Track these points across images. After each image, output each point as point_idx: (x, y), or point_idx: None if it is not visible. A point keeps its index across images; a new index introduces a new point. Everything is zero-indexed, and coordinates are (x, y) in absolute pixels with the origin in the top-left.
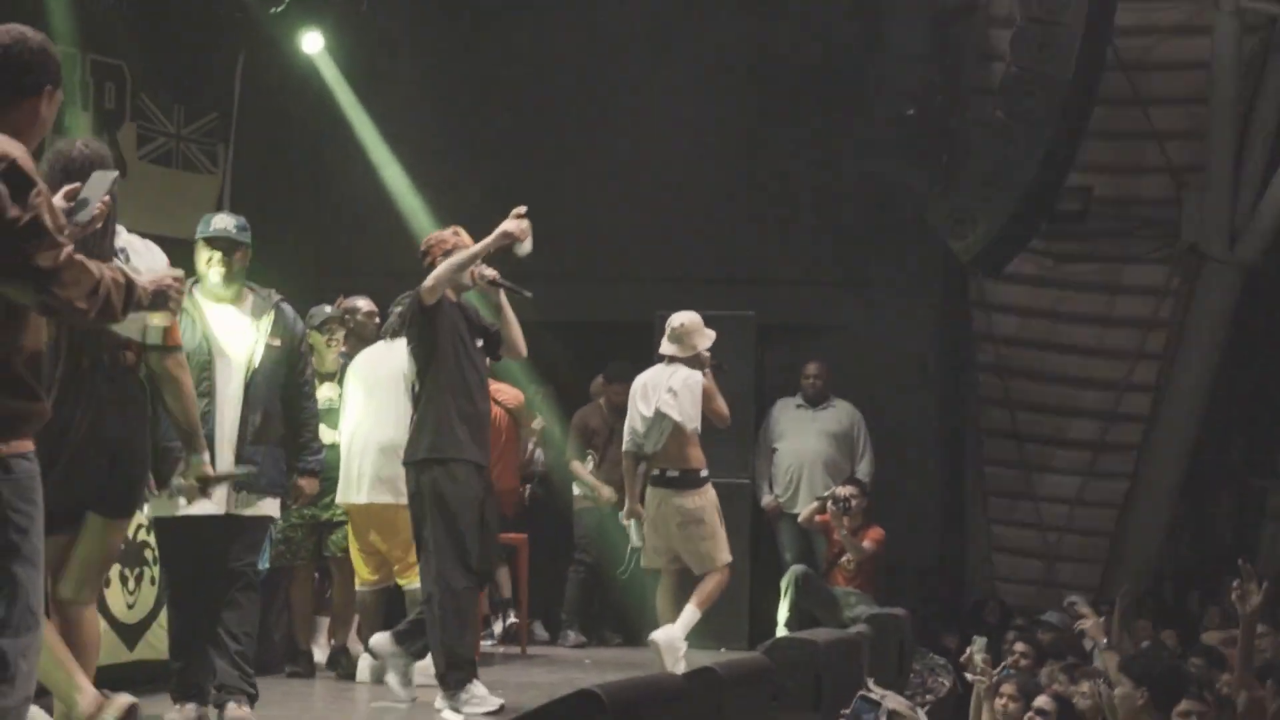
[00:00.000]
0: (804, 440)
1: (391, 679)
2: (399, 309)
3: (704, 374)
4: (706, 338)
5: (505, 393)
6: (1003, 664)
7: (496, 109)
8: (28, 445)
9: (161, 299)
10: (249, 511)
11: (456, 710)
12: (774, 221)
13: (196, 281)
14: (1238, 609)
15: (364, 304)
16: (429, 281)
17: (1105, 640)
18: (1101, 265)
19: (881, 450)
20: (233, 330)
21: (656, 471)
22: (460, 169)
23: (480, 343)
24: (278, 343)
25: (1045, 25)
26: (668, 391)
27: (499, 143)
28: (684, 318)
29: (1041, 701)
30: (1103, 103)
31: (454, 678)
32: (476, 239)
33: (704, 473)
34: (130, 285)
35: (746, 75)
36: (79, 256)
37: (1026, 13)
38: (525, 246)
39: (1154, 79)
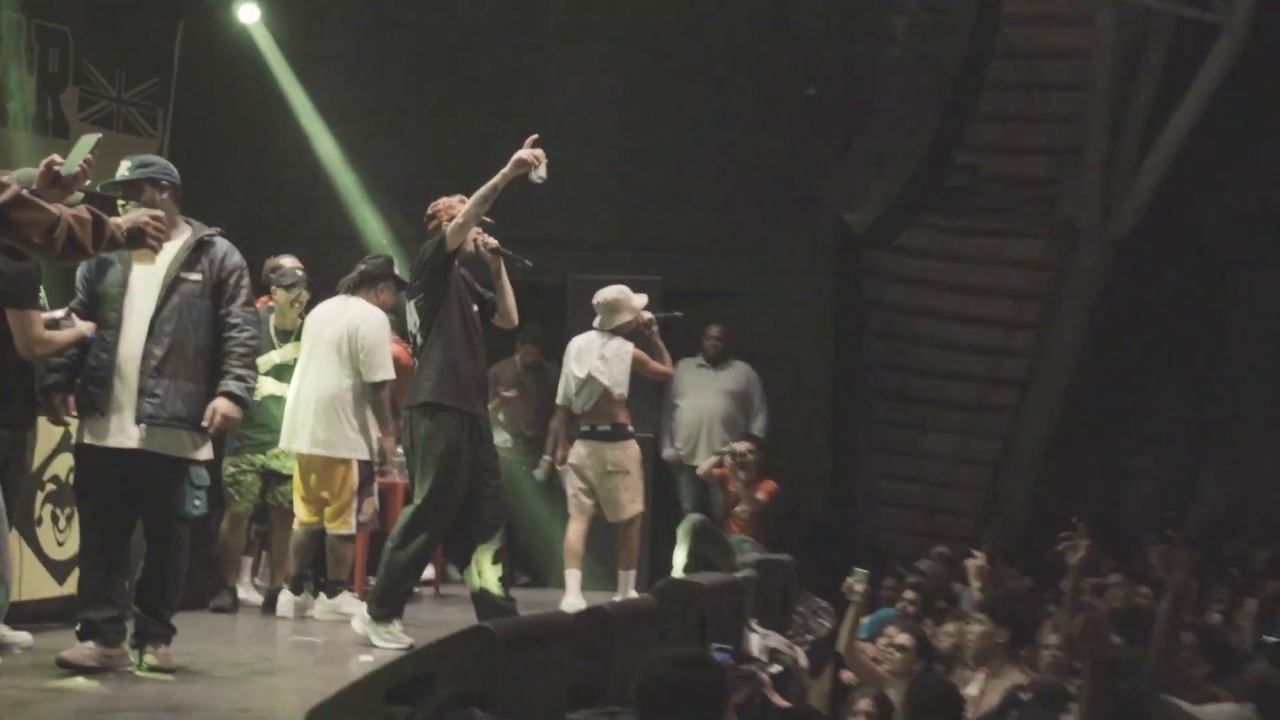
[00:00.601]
0: (704, 398)
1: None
2: (417, 263)
3: (656, 332)
4: (631, 310)
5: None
6: (890, 607)
7: (423, 81)
8: None
9: (138, 236)
10: (159, 448)
11: (372, 639)
12: (680, 192)
13: None
14: (1066, 559)
15: (288, 262)
16: (459, 219)
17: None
18: (985, 239)
19: (776, 409)
20: (147, 268)
21: (587, 427)
22: (389, 137)
23: (476, 308)
24: (197, 277)
25: (937, 13)
26: (599, 359)
27: (425, 113)
28: (606, 293)
29: (903, 639)
30: (990, 87)
31: (382, 612)
32: (405, 203)
33: (630, 429)
34: (100, 222)
35: (658, 53)
36: (29, 196)
37: (919, 3)
38: (540, 172)
39: (1038, 66)
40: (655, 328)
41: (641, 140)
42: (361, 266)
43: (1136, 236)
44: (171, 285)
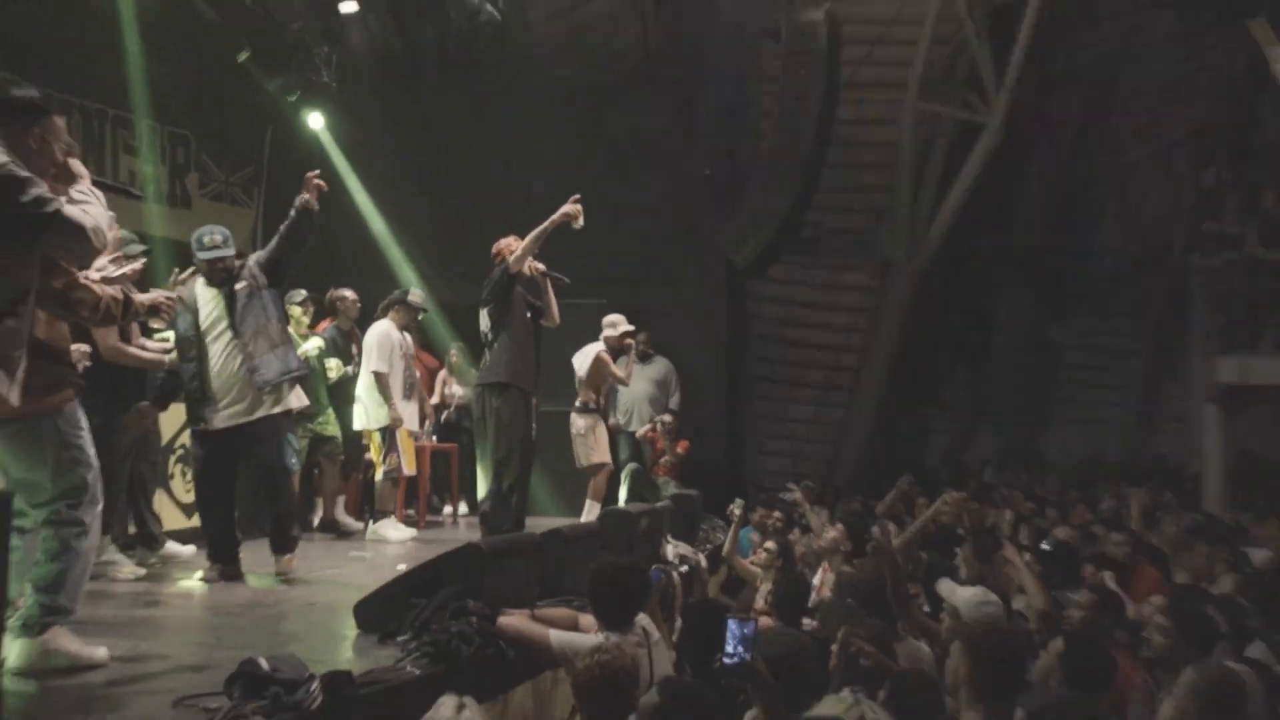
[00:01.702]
0: (637, 384)
1: None
2: (487, 283)
3: (627, 350)
4: (614, 327)
5: (427, 359)
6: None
7: (438, 166)
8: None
9: (154, 310)
10: (266, 412)
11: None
12: (619, 242)
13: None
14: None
15: (349, 293)
16: (519, 253)
17: (809, 507)
18: (828, 272)
19: (687, 390)
20: (211, 309)
21: (577, 402)
22: (414, 206)
23: (529, 314)
24: (243, 284)
25: (792, 118)
26: (581, 355)
27: (440, 188)
28: (609, 316)
29: (770, 545)
30: (829, 167)
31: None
32: (427, 252)
33: (591, 406)
34: (129, 301)
35: (601, 147)
36: (83, 281)
37: (781, 108)
38: (579, 223)
39: (861, 152)
40: (634, 348)
41: (590, 206)
42: (386, 300)
43: (932, 269)
44: (230, 301)
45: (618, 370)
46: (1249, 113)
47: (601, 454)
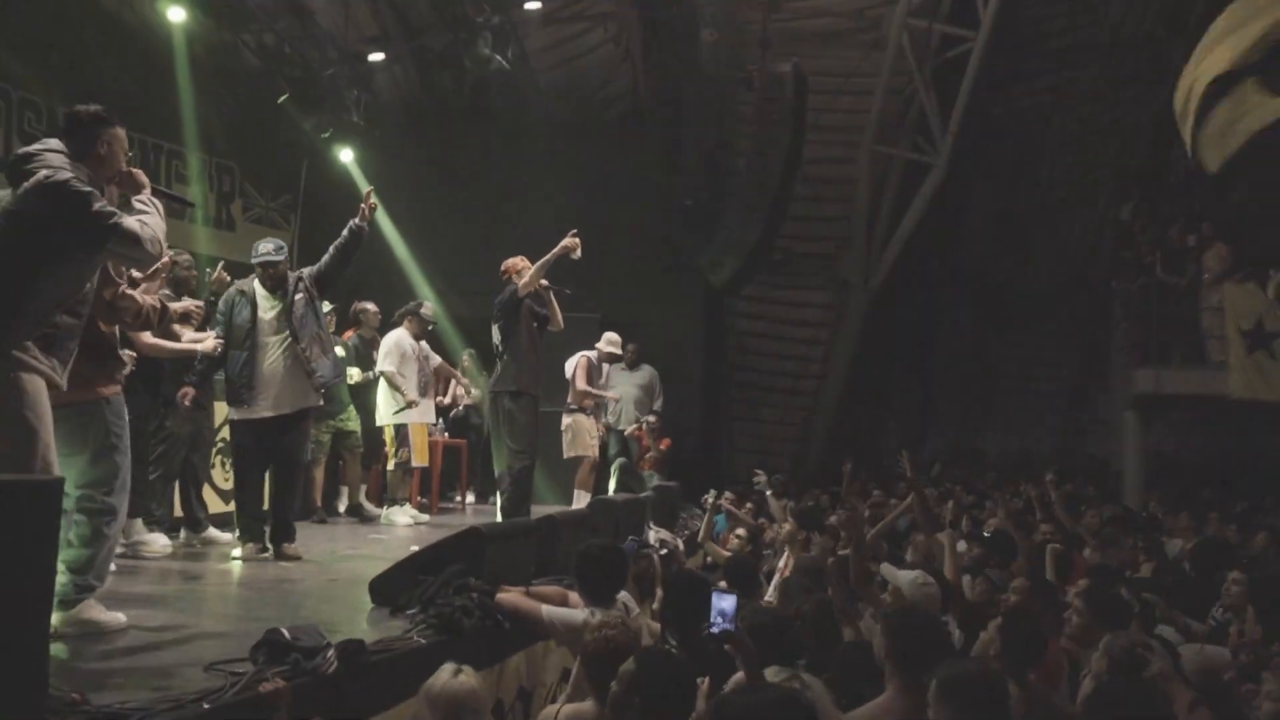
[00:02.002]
0: (625, 388)
1: None
2: (497, 300)
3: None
4: (608, 342)
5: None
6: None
7: (455, 199)
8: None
9: (186, 318)
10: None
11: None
12: (612, 265)
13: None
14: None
15: (371, 305)
16: (527, 280)
17: (771, 498)
18: (794, 291)
19: (670, 394)
20: (270, 307)
21: (569, 403)
22: (432, 233)
23: (535, 324)
24: (300, 296)
25: (763, 156)
26: (570, 362)
27: (455, 218)
28: (609, 334)
29: (741, 531)
30: (795, 200)
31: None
32: (443, 270)
33: (574, 406)
34: (165, 309)
35: (596, 184)
36: (127, 292)
37: (754, 148)
38: (577, 254)
39: (823, 188)
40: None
41: (585, 232)
42: (401, 310)
43: (885, 289)
44: (289, 308)
45: (580, 382)
46: (1161, 157)
47: (581, 448)
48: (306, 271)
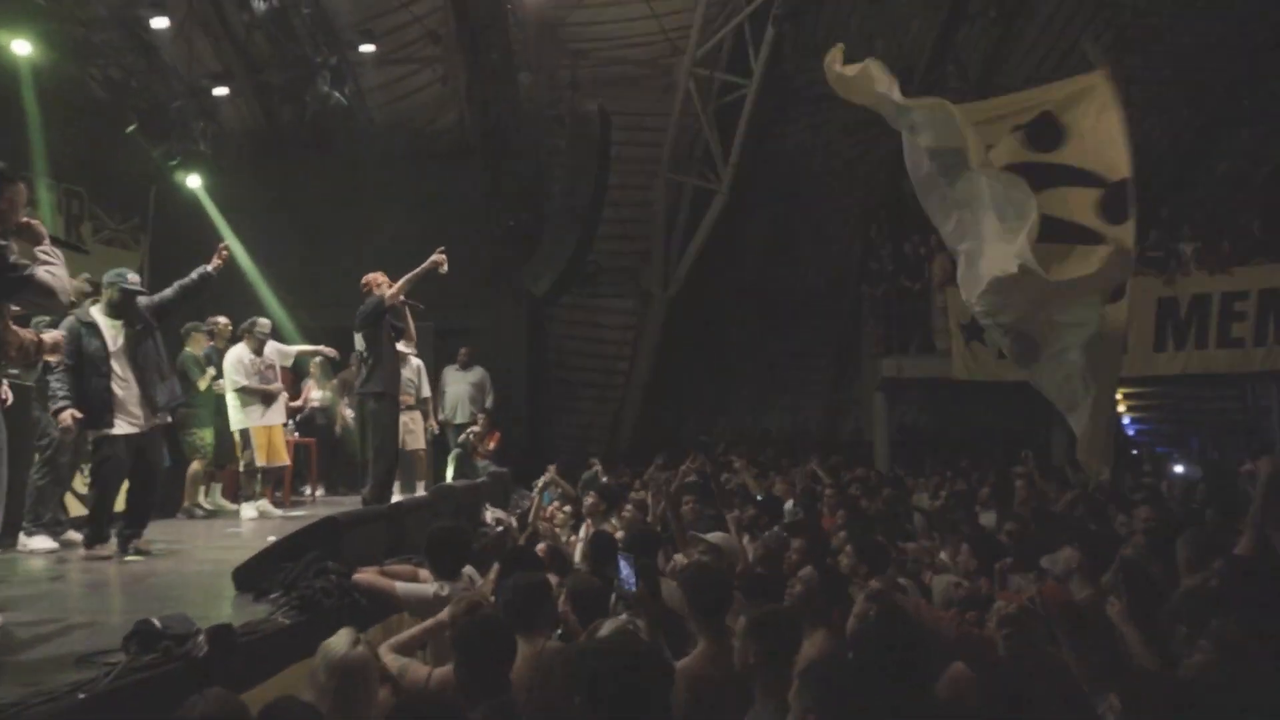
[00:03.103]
0: (459, 387)
1: None
2: (362, 311)
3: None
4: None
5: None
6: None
7: (297, 218)
8: None
9: (55, 349)
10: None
11: None
12: (447, 280)
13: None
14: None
15: (222, 318)
16: (393, 290)
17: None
18: (604, 299)
19: (499, 392)
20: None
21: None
22: (277, 247)
23: (393, 334)
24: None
25: (576, 181)
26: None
27: (297, 237)
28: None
29: (567, 509)
30: (603, 220)
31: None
32: (286, 286)
33: (412, 404)
34: (40, 342)
35: (431, 206)
36: (12, 326)
37: (567, 176)
38: (444, 269)
39: (626, 210)
40: None
41: (420, 254)
42: (240, 328)
43: (680, 297)
44: (132, 336)
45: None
46: (899, 187)
47: (416, 441)
48: (144, 301)
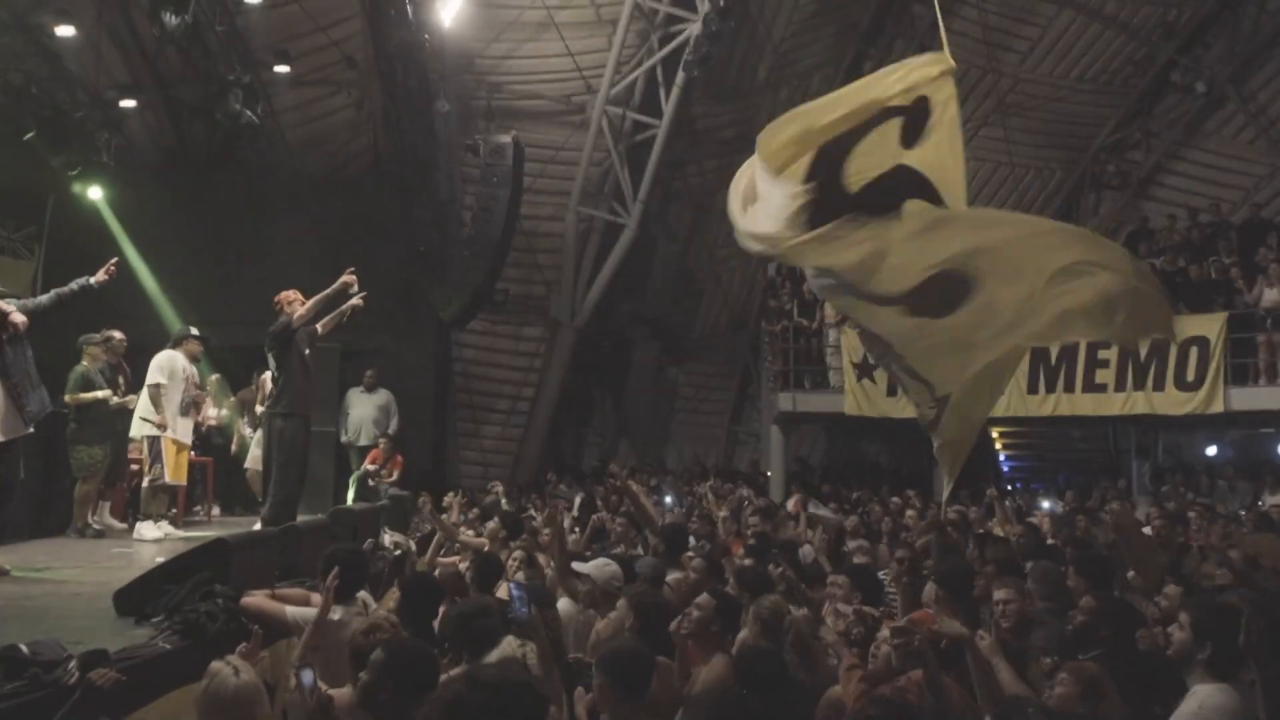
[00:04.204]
0: (363, 409)
1: None
2: (271, 331)
3: None
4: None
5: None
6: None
7: (198, 230)
8: None
9: None
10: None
11: None
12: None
13: None
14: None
15: (118, 334)
16: (303, 311)
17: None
18: (512, 327)
19: (404, 415)
20: None
21: None
22: (180, 262)
23: (307, 351)
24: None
25: (488, 210)
26: None
27: (199, 249)
28: None
29: (491, 524)
30: (514, 249)
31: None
32: (186, 298)
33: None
34: None
35: (343, 225)
36: None
37: (479, 204)
38: (354, 290)
39: (538, 239)
40: None
41: (329, 275)
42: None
43: (587, 327)
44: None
45: None
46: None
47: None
48: (15, 305)
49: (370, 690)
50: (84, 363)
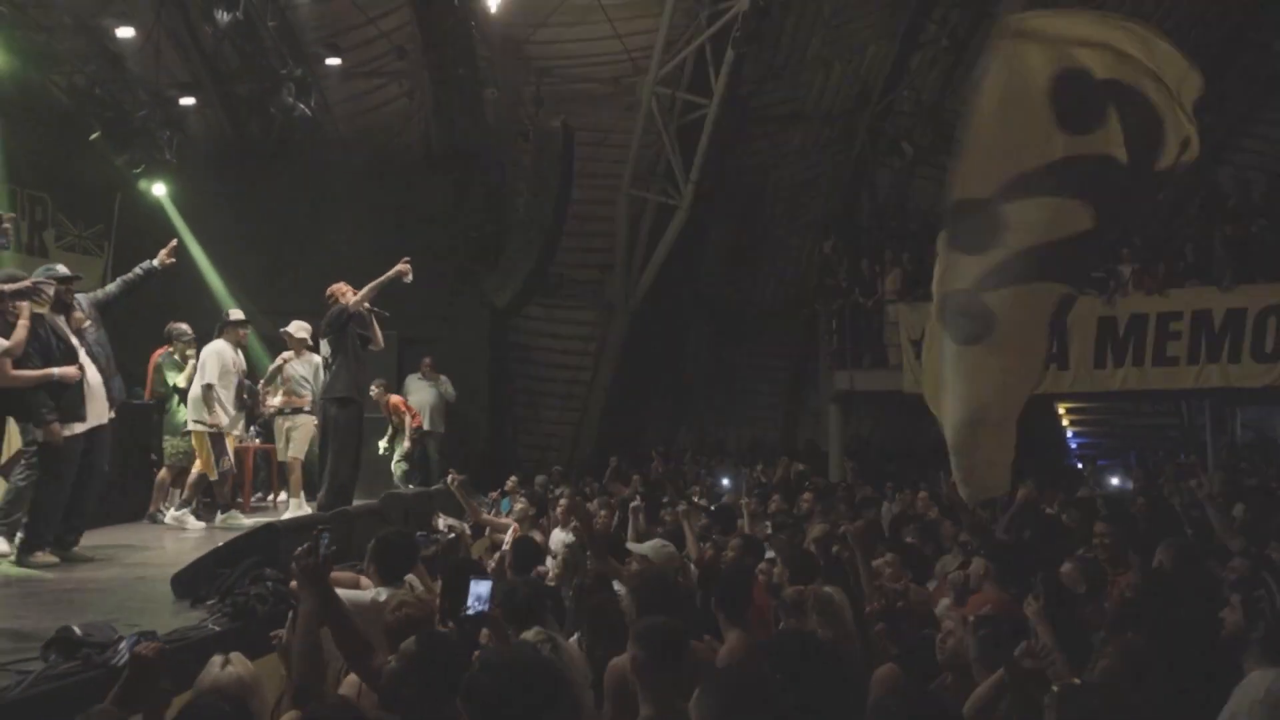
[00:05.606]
0: (423, 395)
1: None
2: (327, 319)
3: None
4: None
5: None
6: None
7: (257, 226)
8: None
9: None
10: None
11: None
12: (412, 290)
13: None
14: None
15: (184, 325)
16: (358, 297)
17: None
18: (567, 311)
19: (461, 399)
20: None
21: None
22: (240, 255)
23: (359, 341)
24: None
25: (540, 196)
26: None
27: (257, 243)
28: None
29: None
30: (566, 234)
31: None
32: (247, 291)
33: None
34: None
35: (393, 215)
36: None
37: (531, 190)
38: (408, 279)
39: (590, 225)
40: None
41: (383, 264)
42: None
43: (642, 309)
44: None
45: None
46: (852, 204)
47: (297, 449)
48: (85, 299)
49: (394, 683)
50: (168, 350)
